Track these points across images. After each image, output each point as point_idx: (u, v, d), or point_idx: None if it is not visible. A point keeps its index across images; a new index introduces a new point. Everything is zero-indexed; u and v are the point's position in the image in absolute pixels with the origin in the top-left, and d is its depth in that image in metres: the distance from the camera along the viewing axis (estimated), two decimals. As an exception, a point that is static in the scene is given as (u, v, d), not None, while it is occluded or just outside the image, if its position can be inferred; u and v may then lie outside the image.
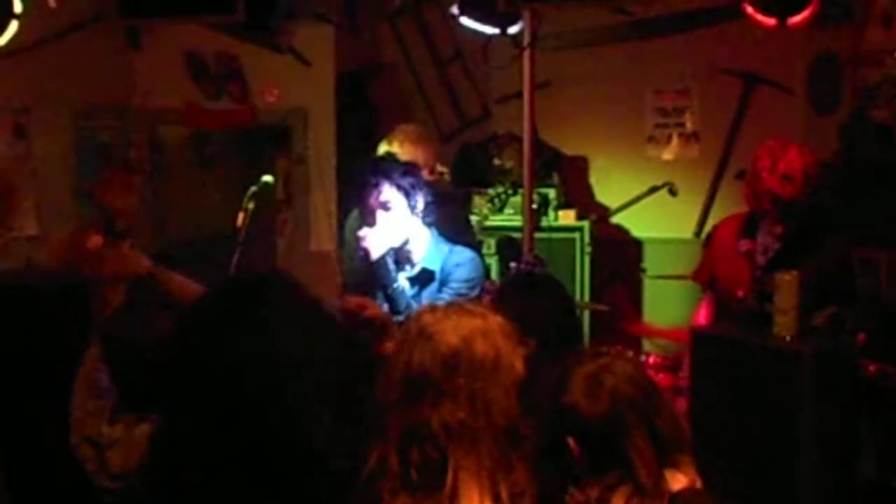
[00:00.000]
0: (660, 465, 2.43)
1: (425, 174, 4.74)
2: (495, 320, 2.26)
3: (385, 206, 4.11)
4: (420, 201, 4.16)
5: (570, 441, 2.47)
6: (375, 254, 4.13)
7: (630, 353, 5.37)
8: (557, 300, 3.66)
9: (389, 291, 4.14)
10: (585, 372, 2.52)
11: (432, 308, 2.33)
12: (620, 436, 2.43)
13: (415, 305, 4.04)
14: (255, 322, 1.97)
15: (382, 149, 4.93)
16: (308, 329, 2.02)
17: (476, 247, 5.05)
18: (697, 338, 4.49)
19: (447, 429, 2.12)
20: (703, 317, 5.02)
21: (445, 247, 4.25)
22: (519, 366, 2.21)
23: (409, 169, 4.24)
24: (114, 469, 2.86)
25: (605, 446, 2.45)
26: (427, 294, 4.17)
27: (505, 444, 2.14)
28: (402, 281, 4.19)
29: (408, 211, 4.14)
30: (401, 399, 2.17)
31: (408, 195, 4.12)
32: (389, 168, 4.20)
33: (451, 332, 2.19)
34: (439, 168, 5.38)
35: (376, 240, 4.13)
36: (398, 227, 4.14)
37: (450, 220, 4.66)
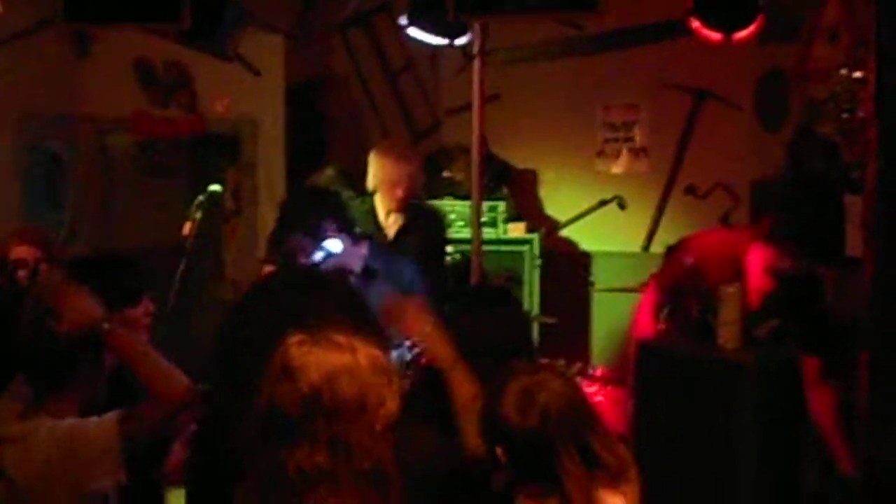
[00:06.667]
0: (592, 483, 2.43)
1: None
2: (366, 355, 2.10)
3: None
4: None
5: (499, 451, 2.49)
6: None
7: (578, 366, 5.39)
8: (516, 315, 3.62)
9: None
10: (519, 386, 2.52)
11: (300, 340, 2.13)
12: (549, 451, 2.44)
13: None
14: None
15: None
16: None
17: None
18: (643, 349, 4.51)
19: (302, 474, 2.00)
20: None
21: None
22: (391, 405, 2.09)
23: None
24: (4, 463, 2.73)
25: (533, 460, 2.46)
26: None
27: (369, 489, 2.03)
28: None
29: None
30: (259, 438, 2.06)
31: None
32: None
33: (314, 369, 2.06)
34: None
35: None
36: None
37: None
